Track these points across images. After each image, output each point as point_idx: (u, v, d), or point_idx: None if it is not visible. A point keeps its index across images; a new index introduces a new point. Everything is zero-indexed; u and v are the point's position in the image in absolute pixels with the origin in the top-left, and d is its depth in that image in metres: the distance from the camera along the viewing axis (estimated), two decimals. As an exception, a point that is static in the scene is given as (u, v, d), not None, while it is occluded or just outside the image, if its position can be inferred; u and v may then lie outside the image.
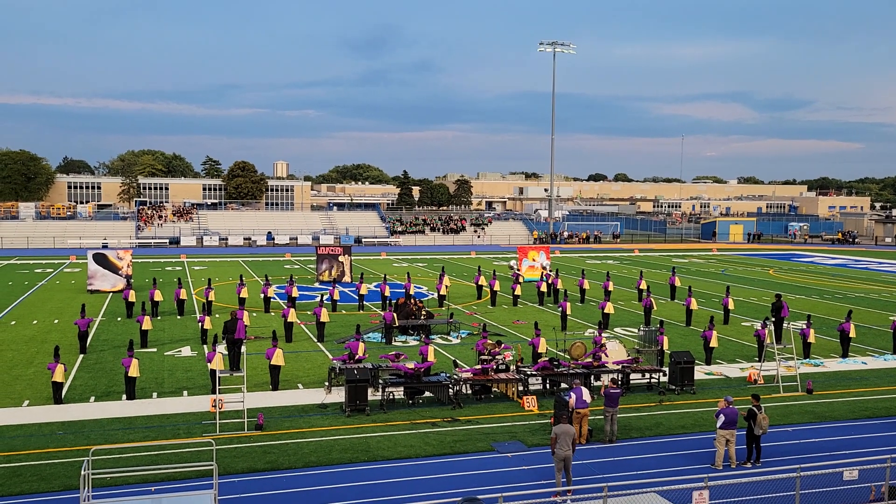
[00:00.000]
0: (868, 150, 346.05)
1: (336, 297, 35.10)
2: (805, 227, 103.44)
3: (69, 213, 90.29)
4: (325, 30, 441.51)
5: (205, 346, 27.01)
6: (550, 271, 44.49)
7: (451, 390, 20.03)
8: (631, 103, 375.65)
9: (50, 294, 40.60)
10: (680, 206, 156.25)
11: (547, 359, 22.14)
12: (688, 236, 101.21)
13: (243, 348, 22.06)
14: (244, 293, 34.63)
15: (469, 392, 20.95)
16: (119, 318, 32.87)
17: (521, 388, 20.71)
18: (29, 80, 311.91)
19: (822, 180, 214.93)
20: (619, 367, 21.84)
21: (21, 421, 18.41)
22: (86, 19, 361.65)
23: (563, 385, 21.12)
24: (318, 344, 27.80)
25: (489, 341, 23.17)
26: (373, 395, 20.13)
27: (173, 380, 22.59)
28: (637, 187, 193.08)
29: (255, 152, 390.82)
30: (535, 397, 20.18)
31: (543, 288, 38.71)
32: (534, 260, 47.61)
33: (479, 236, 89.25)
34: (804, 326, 26.87)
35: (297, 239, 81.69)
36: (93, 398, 20.55)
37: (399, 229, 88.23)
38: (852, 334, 26.80)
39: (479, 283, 39.86)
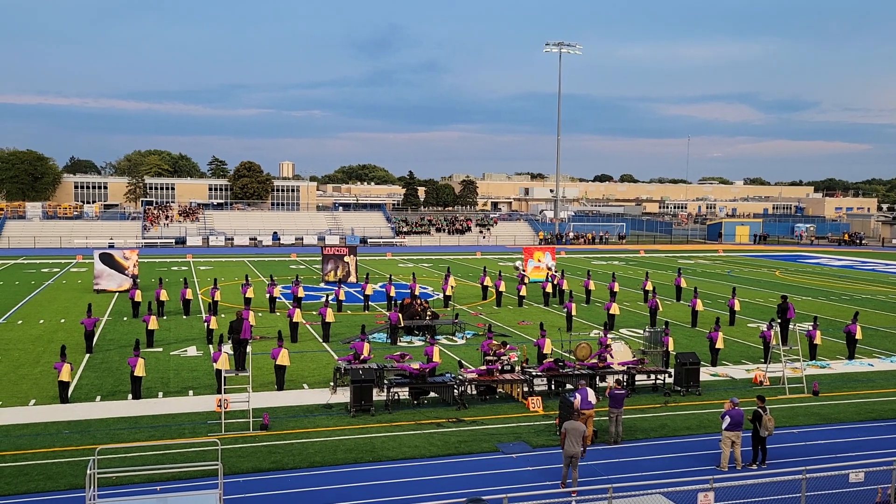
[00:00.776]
0: (875, 152, 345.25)
1: (342, 297, 35.15)
2: (811, 229, 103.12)
3: (76, 213, 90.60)
4: (331, 30, 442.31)
5: (210, 345, 27.07)
6: (556, 272, 44.44)
7: (456, 391, 20.03)
8: (637, 104, 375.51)
9: (56, 293, 40.73)
10: (686, 207, 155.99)
11: (552, 360, 22.12)
12: (693, 237, 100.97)
13: (249, 348, 22.11)
14: (250, 293, 34.72)
15: (474, 393, 20.94)
16: (125, 318, 32.96)
17: (526, 389, 20.69)
18: (36, 80, 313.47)
19: (829, 181, 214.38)
20: (625, 368, 21.82)
21: (27, 420, 18.48)
22: (93, 20, 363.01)
23: (569, 386, 21.10)
24: (324, 344, 27.83)
25: (494, 342, 23.17)
26: (378, 396, 20.14)
27: (179, 379, 22.64)
28: (643, 188, 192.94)
29: (261, 153, 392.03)
30: (540, 398, 20.16)
31: (549, 289, 38.69)
32: (539, 261, 47.57)
33: (484, 237, 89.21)
34: (810, 328, 26.78)
35: (302, 239, 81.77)
36: (99, 398, 20.61)
37: (404, 230, 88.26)
38: (858, 336, 26.71)
39: (485, 283, 39.86)
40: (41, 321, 32.18)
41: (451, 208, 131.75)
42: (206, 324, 28.19)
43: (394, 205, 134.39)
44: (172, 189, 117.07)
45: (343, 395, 20.60)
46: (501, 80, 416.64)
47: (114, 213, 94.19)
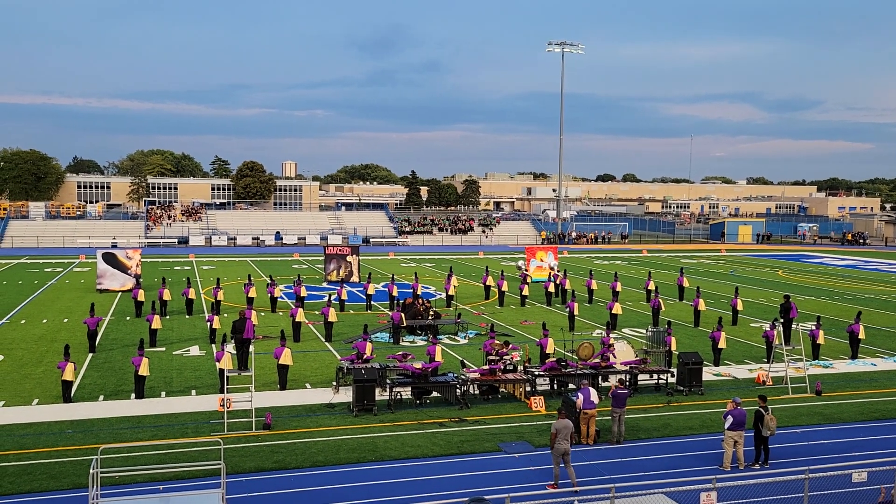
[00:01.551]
0: (878, 151, 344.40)
1: (344, 296, 35.18)
2: (814, 228, 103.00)
3: (79, 213, 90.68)
4: (334, 30, 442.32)
5: (213, 345, 27.11)
6: (559, 271, 44.43)
7: (458, 390, 20.03)
8: (639, 103, 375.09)
9: (59, 293, 40.80)
10: (688, 207, 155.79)
11: (555, 359, 22.12)
12: (696, 237, 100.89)
13: (251, 348, 22.12)
14: (252, 293, 34.76)
15: (476, 392, 20.95)
16: (128, 318, 33.01)
17: (528, 389, 20.69)
18: (39, 80, 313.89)
19: (832, 181, 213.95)
20: (627, 367, 21.81)
21: (30, 419, 18.51)
22: (95, 20, 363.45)
23: (571, 386, 21.10)
24: (326, 344, 27.85)
25: (496, 342, 23.18)
26: (380, 395, 20.15)
27: (182, 379, 22.68)
28: (645, 188, 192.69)
29: (263, 152, 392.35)
30: (542, 398, 20.15)
31: (551, 288, 38.70)
32: (542, 260, 47.56)
33: (487, 236, 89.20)
34: (813, 327, 26.76)
35: (305, 239, 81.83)
36: (102, 397, 20.64)
37: (407, 229, 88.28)
38: (861, 335, 26.67)
39: (487, 283, 39.87)
40: (44, 321, 32.24)
41: (453, 208, 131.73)
42: (209, 323, 28.23)
43: (396, 204, 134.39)
44: (175, 189, 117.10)
45: (346, 395, 20.61)
46: (504, 79, 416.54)
47: (117, 212, 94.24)
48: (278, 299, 35.62)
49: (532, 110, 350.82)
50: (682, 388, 21.62)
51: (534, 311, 36.03)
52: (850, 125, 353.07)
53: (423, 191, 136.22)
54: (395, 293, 35.10)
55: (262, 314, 33.04)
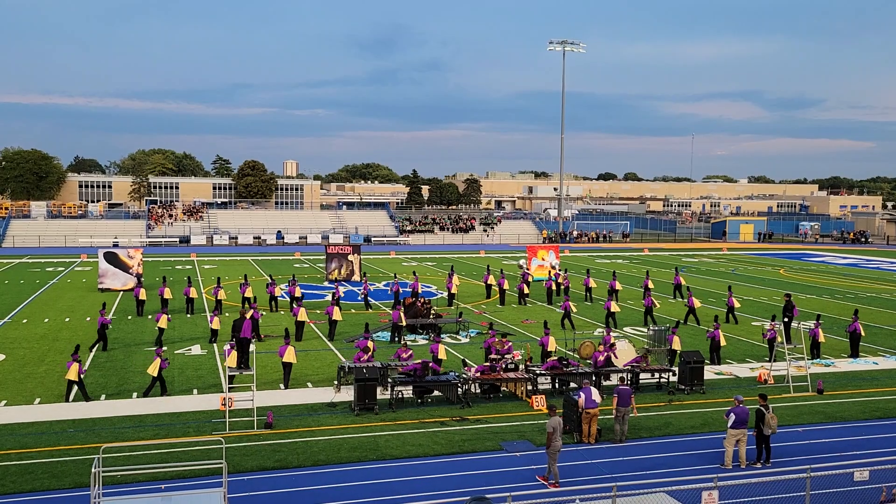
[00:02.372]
0: (879, 149, 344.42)
1: (340, 294, 35.03)
2: (816, 227, 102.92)
3: (80, 212, 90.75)
4: (335, 29, 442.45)
5: (213, 344, 27.14)
6: (560, 270, 44.40)
7: (459, 389, 20.03)
8: (641, 102, 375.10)
9: (61, 292, 40.83)
10: (690, 206, 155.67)
11: (556, 358, 22.11)
12: (698, 236, 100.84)
13: (252, 347, 22.08)
14: (248, 293, 34.48)
15: (478, 391, 20.95)
16: (130, 317, 33.02)
17: (529, 388, 20.68)
18: (40, 79, 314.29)
19: (834, 179, 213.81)
20: (628, 367, 21.79)
21: (32, 419, 18.52)
22: (97, 19, 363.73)
23: (573, 384, 21.10)
24: (328, 343, 27.85)
25: (497, 339, 23.17)
26: (382, 394, 20.16)
27: (183, 378, 22.68)
28: (647, 186, 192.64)
29: (265, 151, 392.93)
30: (543, 396, 20.15)
31: (553, 287, 38.67)
32: (543, 259, 47.54)
33: (488, 235, 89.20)
34: (814, 326, 26.74)
35: (306, 238, 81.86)
36: (104, 396, 20.65)
37: (408, 228, 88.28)
38: (862, 333, 26.64)
39: (489, 282, 39.85)
40: (46, 320, 32.26)
41: (454, 207, 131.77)
42: (210, 322, 28.23)
43: (398, 203, 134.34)
44: (177, 188, 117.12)
45: (347, 394, 20.62)
46: (505, 78, 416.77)
47: (118, 212, 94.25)
48: (279, 298, 35.58)
49: (533, 109, 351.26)
50: (683, 387, 21.61)
51: (535, 310, 36.01)
52: (851, 124, 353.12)
53: (425, 190, 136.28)
54: (398, 292, 35.09)
55: (263, 313, 33.01)
